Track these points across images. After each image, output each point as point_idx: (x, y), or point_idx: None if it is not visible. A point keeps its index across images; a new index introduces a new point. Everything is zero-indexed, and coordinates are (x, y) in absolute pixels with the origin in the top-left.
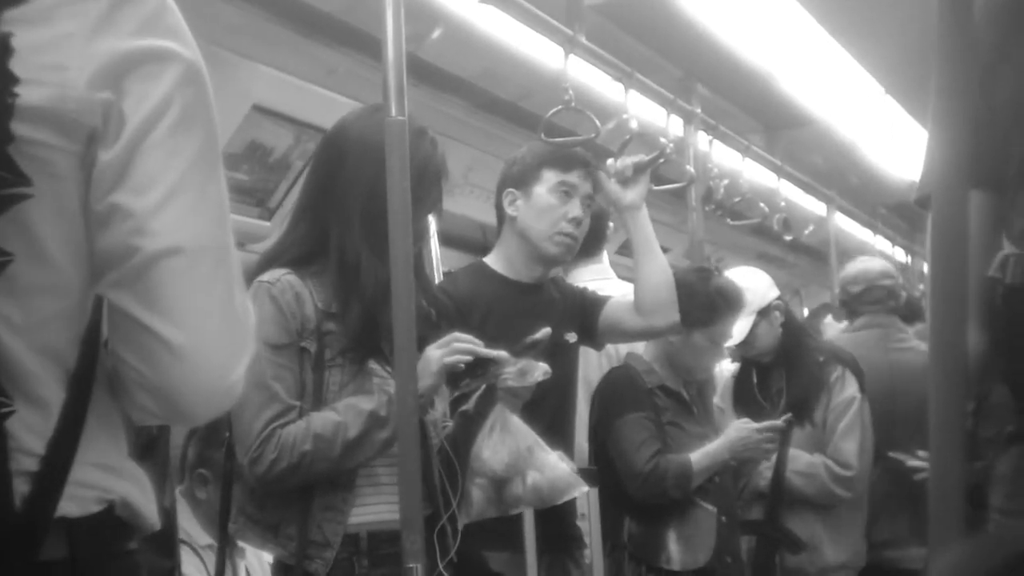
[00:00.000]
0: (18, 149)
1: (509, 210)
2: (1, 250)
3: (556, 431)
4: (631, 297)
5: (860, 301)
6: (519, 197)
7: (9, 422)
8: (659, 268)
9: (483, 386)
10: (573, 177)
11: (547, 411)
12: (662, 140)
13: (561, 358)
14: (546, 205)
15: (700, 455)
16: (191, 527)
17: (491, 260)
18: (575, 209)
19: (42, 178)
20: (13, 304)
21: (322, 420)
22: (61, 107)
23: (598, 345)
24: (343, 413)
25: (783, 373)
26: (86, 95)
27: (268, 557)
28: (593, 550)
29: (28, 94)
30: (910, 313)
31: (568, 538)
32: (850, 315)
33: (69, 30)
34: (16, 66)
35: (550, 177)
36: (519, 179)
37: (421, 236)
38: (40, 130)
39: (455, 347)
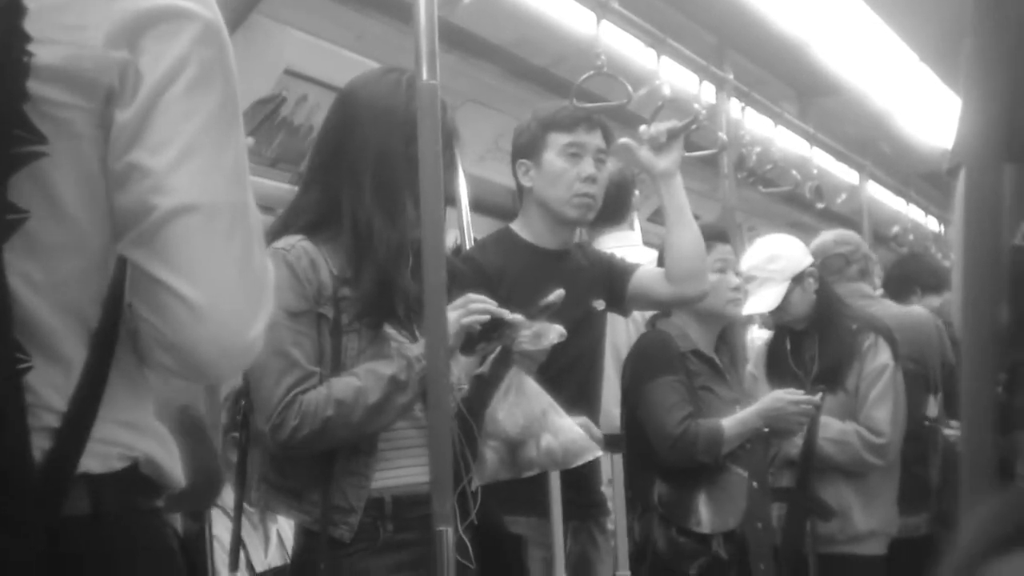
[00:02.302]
0: (34, 108)
1: (524, 181)
2: (16, 207)
3: (583, 397)
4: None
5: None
6: (531, 167)
7: (29, 377)
8: (691, 237)
9: (498, 349)
10: (579, 135)
11: (575, 377)
12: (695, 106)
13: (589, 325)
14: (558, 170)
15: (732, 421)
16: (224, 490)
17: (517, 227)
18: (587, 168)
19: (60, 137)
20: (34, 262)
21: (343, 385)
22: (78, 66)
23: (625, 312)
24: (363, 378)
25: (816, 340)
26: (103, 54)
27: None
28: (617, 516)
29: (44, 53)
30: (936, 281)
31: (593, 504)
32: None
33: None
34: (32, 25)
35: (557, 140)
36: (528, 148)
37: None
38: (57, 89)
39: (472, 307)
